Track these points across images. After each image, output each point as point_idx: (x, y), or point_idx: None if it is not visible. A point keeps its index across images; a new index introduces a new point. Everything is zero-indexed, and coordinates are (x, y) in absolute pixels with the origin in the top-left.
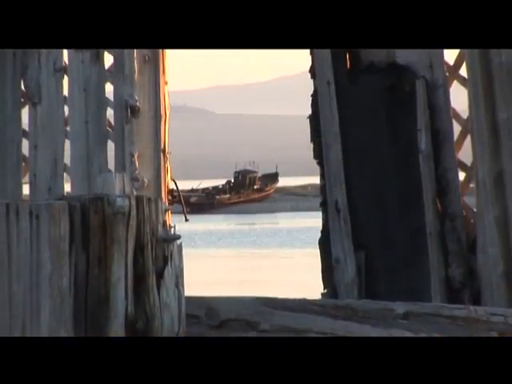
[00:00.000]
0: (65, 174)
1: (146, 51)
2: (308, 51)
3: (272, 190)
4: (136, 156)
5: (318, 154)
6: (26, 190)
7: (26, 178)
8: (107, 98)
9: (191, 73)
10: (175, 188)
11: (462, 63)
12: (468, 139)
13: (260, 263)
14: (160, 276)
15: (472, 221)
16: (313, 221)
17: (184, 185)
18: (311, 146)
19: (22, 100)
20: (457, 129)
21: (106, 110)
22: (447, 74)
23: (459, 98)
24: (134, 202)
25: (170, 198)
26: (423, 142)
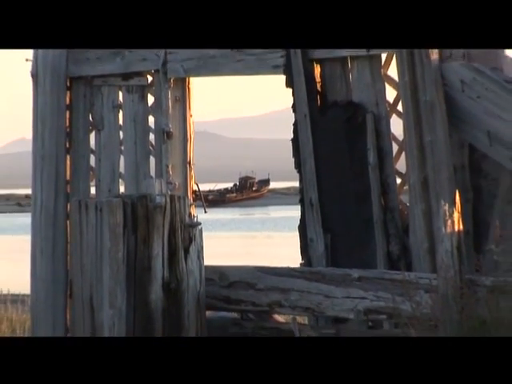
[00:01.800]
0: (120, 180)
1: (177, 93)
2: (291, 92)
3: (265, 191)
4: (170, 167)
5: (298, 166)
6: (92, 190)
7: (93, 182)
8: (150, 126)
9: (208, 108)
10: (197, 189)
11: (399, 101)
12: (403, 155)
13: (256, 242)
14: (187, 251)
15: (406, 212)
16: (294, 212)
17: (204, 187)
18: (293, 160)
19: (90, 127)
20: (395, 148)
21: (149, 134)
22: (388, 109)
23: (396, 126)
24: (168, 200)
25: (193, 196)
26: (371, 157)
